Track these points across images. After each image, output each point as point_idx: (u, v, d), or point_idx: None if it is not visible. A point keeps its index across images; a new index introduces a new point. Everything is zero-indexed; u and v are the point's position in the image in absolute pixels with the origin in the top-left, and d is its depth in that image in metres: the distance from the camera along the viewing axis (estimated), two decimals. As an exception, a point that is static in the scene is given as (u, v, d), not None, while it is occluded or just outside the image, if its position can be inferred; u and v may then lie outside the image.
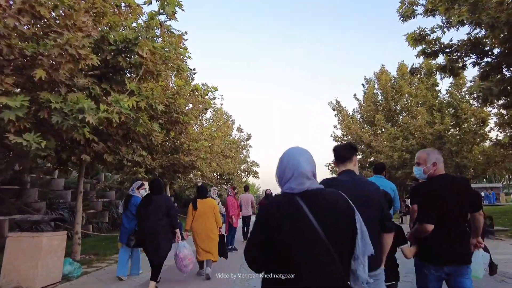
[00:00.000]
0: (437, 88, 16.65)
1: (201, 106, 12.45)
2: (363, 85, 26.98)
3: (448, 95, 15.64)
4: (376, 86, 25.51)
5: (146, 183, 5.92)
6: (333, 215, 1.43)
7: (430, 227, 2.49)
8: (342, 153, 2.32)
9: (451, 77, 9.36)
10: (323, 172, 29.77)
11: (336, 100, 26.75)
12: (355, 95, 27.25)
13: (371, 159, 24.05)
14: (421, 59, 8.89)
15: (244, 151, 31.15)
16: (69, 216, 9.93)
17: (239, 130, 31.22)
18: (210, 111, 19.91)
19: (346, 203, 1.48)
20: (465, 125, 14.00)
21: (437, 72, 9.21)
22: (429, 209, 2.53)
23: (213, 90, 11.74)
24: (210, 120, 19.45)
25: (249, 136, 30.52)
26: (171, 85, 9.48)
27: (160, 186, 4.92)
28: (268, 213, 1.47)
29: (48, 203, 10.20)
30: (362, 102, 26.61)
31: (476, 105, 14.35)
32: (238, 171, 28.84)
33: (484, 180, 53.24)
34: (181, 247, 4.90)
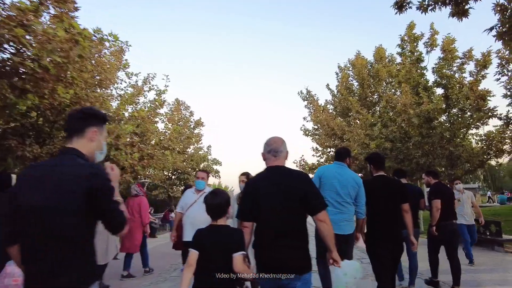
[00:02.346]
0: (422, 65, 13.66)
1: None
2: (336, 73, 23.93)
3: (435, 74, 12.64)
4: (351, 74, 22.47)
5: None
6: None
7: None
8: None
9: (455, 17, 6.10)
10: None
11: (307, 89, 23.58)
12: (327, 85, 24.16)
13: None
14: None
15: (203, 147, 27.45)
16: None
17: (199, 123, 27.51)
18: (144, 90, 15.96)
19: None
20: (460, 104, 10.95)
21: (436, 5, 5.91)
22: None
23: (113, 39, 8.11)
24: (148, 104, 15.91)
25: (199, 123, 26.75)
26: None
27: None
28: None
29: None
30: (335, 93, 23.55)
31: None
32: (190, 168, 25.07)
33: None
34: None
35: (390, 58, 20.56)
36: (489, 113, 9.31)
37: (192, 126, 26.53)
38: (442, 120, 11.24)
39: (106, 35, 7.90)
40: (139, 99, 16.22)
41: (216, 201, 2.40)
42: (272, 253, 2.23)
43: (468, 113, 11.22)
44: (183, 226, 3.94)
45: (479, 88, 10.42)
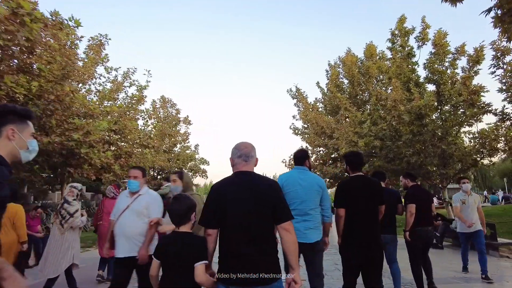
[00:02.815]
0: (414, 60, 13.12)
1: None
2: (326, 71, 23.37)
3: (426, 70, 12.11)
4: (341, 71, 21.92)
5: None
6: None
7: None
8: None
9: (448, 2, 5.50)
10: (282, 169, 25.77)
11: (296, 87, 22.97)
12: (317, 83, 23.59)
13: (335, 154, 20.41)
14: None
15: (191, 145, 26.66)
16: None
17: (186, 121, 26.72)
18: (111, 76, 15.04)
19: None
20: (453, 101, 10.41)
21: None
22: None
23: (74, 24, 7.28)
24: (128, 99, 15.02)
25: (186, 121, 26.02)
26: None
27: None
28: None
29: None
30: (325, 91, 23.00)
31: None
32: (176, 168, 24.28)
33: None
34: None
35: (381, 55, 20.07)
36: (484, 108, 8.75)
37: (175, 123, 25.59)
38: (434, 117, 10.68)
39: (66, 20, 7.12)
40: (118, 95, 15.42)
41: (179, 206, 2.34)
42: (240, 261, 2.09)
43: (461, 110, 10.70)
44: (115, 238, 3.13)
45: (473, 83, 9.89)
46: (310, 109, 20.82)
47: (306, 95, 22.11)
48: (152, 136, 14.63)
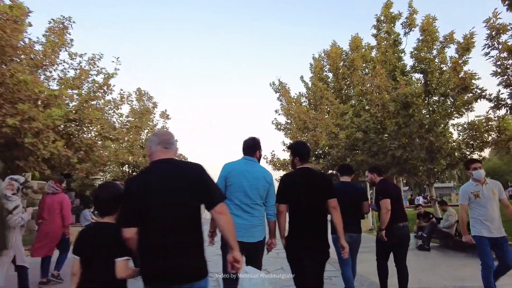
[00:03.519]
0: (400, 48, 12.26)
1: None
2: (310, 64, 22.42)
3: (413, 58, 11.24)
4: (325, 64, 21.00)
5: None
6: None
7: None
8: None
9: None
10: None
11: (279, 80, 21.96)
12: (301, 77, 22.63)
13: (318, 151, 19.48)
14: None
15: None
16: None
17: (164, 116, 25.41)
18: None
19: None
20: (441, 89, 9.55)
21: None
22: None
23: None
24: (93, 88, 13.74)
25: (163, 116, 24.81)
26: None
27: None
28: None
29: None
30: (309, 85, 22.04)
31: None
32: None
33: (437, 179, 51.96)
34: None
35: (366, 47, 19.25)
36: (477, 93, 7.87)
37: (151, 117, 24.24)
38: (422, 107, 9.79)
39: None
40: (83, 83, 14.07)
41: (104, 195, 2.19)
42: (162, 254, 1.92)
43: (450, 100, 9.84)
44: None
45: (464, 69, 9.04)
46: (293, 103, 19.81)
47: (289, 87, 21.09)
48: (117, 127, 13.27)
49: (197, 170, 2.12)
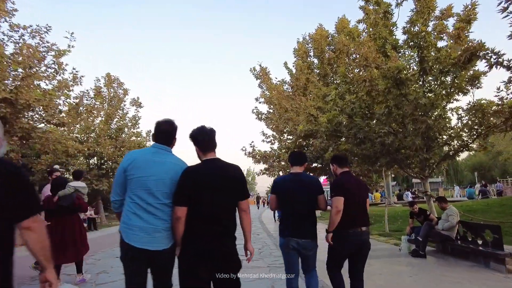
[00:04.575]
0: (391, 21, 10.60)
1: None
2: (294, 49, 20.67)
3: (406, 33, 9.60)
4: (311, 49, 19.28)
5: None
6: None
7: None
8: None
9: None
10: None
11: (260, 65, 20.18)
12: (285, 63, 20.86)
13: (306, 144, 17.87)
14: None
15: (142, 132, 23.34)
16: None
17: (136, 103, 23.36)
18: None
19: None
20: (440, 66, 7.96)
21: None
22: None
23: None
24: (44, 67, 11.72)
25: (136, 104, 22.93)
26: None
27: None
28: None
29: None
30: (293, 71, 20.32)
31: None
32: (120, 157, 20.93)
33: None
34: None
35: (354, 30, 17.59)
36: (491, 60, 6.25)
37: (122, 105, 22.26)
38: (417, 85, 8.20)
39: None
40: (26, 60, 12.02)
41: None
42: None
43: (451, 77, 8.26)
44: None
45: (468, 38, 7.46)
46: (274, 89, 18.08)
47: (269, 70, 19.33)
48: (63, 111, 11.28)
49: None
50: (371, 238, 3.72)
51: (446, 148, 8.58)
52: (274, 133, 19.96)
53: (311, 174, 21.20)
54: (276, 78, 19.96)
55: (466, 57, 7.44)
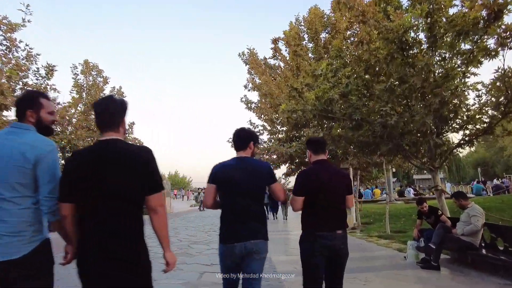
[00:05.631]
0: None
1: None
2: (285, 32, 18.83)
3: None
4: (304, 30, 17.51)
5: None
6: None
7: None
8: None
9: None
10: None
11: (249, 49, 18.42)
12: (276, 42, 19.06)
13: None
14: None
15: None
16: None
17: (119, 93, 21.64)
18: None
19: None
20: (455, 29, 6.25)
21: None
22: None
23: None
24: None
25: (119, 93, 21.26)
26: None
27: None
28: None
29: None
30: (286, 57, 18.55)
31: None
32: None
33: (425, 171, 49.57)
34: None
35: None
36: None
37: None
38: (428, 49, 6.50)
39: None
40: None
41: None
42: None
43: (470, 44, 6.54)
44: None
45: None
46: (262, 73, 16.36)
47: (257, 51, 17.59)
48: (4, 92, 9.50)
49: None
50: (369, 242, 3.11)
51: (459, 135, 6.88)
52: (265, 124, 18.29)
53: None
54: (268, 61, 18.16)
55: (492, 13, 5.77)
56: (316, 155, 3.11)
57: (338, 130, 7.73)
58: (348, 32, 15.84)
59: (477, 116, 6.41)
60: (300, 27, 17.61)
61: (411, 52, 6.35)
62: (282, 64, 18.51)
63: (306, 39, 17.72)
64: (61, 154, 19.72)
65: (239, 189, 2.66)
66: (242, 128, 2.99)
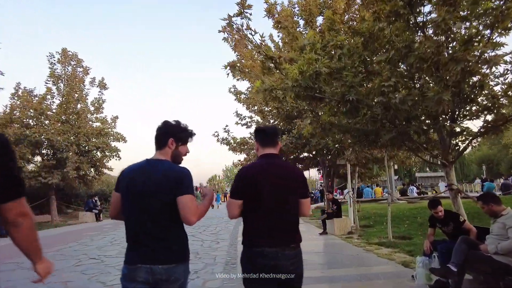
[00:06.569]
0: None
1: None
2: (273, 17, 17.27)
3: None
4: (296, 11, 15.94)
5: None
6: None
7: None
8: None
9: None
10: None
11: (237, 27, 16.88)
12: (271, 35, 17.52)
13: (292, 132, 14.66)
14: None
15: (106, 117, 20.10)
16: None
17: (101, 85, 20.11)
18: None
19: None
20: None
21: None
22: None
23: None
24: None
25: (101, 86, 19.77)
26: None
27: None
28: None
29: None
30: (280, 46, 17.00)
31: None
32: (74, 145, 17.63)
33: (427, 169, 48.06)
34: None
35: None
36: None
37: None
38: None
39: None
40: None
41: None
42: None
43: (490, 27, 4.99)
44: None
45: None
46: (250, 58, 14.77)
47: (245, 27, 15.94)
48: None
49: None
50: (368, 251, 3.22)
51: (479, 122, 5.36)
52: (253, 115, 16.80)
53: (300, 166, 18.06)
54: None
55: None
56: (263, 147, 2.50)
57: (329, 117, 6.20)
58: (346, 16, 14.33)
59: (510, 93, 4.86)
60: (293, 9, 16.05)
61: (421, 9, 4.81)
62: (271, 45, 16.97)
63: (302, 25, 16.19)
64: (37, 150, 18.28)
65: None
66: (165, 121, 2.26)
